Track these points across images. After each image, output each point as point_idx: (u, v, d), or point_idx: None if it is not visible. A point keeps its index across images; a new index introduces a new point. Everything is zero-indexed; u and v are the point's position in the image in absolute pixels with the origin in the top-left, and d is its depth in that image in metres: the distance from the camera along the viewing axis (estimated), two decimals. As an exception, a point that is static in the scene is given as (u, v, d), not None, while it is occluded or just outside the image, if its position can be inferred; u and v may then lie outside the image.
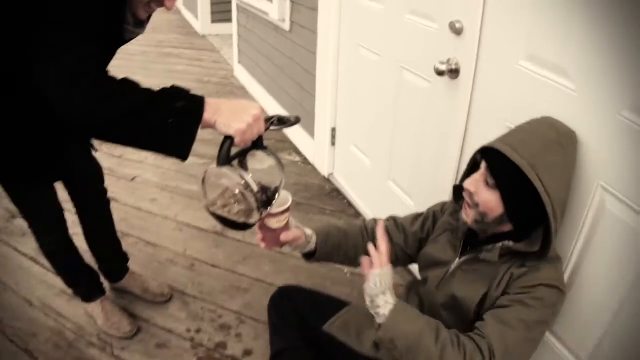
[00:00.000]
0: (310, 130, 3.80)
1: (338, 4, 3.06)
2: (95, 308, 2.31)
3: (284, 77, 4.27)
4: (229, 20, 5.98)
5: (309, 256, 1.68)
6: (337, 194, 3.49)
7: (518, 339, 1.24)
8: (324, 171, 3.66)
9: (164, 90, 1.28)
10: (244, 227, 1.36)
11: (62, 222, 2.04)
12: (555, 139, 1.29)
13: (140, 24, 1.66)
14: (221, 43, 7.55)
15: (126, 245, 2.65)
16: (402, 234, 1.69)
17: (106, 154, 3.94)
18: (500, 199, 1.30)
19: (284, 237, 1.54)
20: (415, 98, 2.38)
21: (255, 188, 1.29)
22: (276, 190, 1.39)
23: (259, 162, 1.39)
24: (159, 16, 10.32)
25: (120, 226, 2.94)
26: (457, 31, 1.95)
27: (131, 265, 2.55)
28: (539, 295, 1.26)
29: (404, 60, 2.43)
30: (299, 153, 4.07)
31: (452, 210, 1.57)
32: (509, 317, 1.26)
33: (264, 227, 1.51)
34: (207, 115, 1.27)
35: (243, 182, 1.29)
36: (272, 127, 1.39)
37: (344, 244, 1.67)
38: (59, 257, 2.16)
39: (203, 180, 1.34)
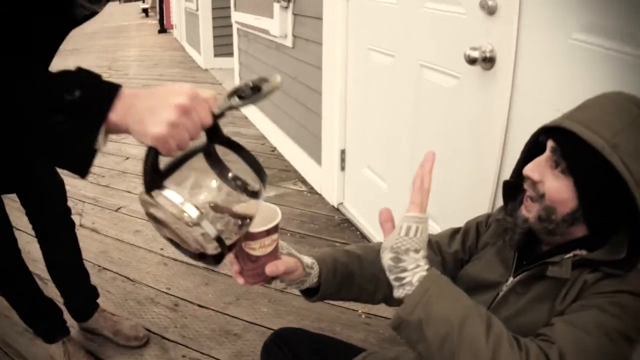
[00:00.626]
0: (317, 156, 3.54)
1: (344, 7, 2.83)
2: (56, 350, 2.04)
3: (287, 100, 4.06)
4: (232, 54, 5.92)
5: (311, 293, 1.26)
6: (347, 224, 3.18)
7: (598, 347, 0.89)
8: (333, 200, 3.36)
9: (62, 74, 0.89)
10: (213, 258, 0.94)
11: (10, 242, 1.79)
12: (639, 115, 0.99)
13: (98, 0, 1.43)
14: (223, 76, 7.43)
15: (103, 280, 2.46)
16: (439, 256, 1.31)
17: (92, 183, 3.78)
18: (573, 188, 0.99)
19: (270, 268, 1.07)
20: (440, 100, 2.07)
21: (194, 218, 0.87)
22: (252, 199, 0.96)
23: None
24: (162, 52, 10.47)
25: (98, 259, 2.78)
26: (490, 10, 1.66)
27: (104, 302, 2.29)
28: (619, 302, 0.93)
29: (424, 57, 2.15)
30: (304, 182, 3.79)
31: (502, 214, 1.19)
32: (583, 320, 0.92)
33: (241, 255, 1.06)
34: (115, 116, 0.84)
35: (176, 211, 0.87)
36: (234, 107, 0.93)
37: (358, 273, 1.25)
38: (8, 285, 1.90)
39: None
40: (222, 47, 7.81)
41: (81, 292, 2.17)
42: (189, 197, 0.88)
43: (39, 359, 2.09)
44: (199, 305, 2.38)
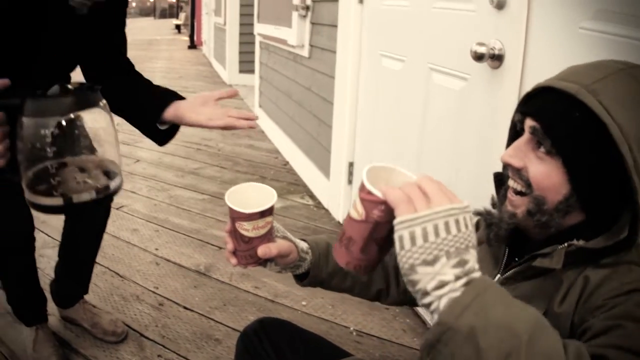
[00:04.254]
0: (326, 170, 3.48)
1: (359, 13, 2.83)
2: (29, 334, 2.00)
3: (302, 112, 4.06)
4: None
5: (303, 278, 1.22)
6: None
7: None
8: (339, 215, 3.30)
9: None
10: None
11: (26, 218, 1.76)
12: (627, 71, 0.88)
13: None
14: (246, 92, 7.46)
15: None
16: None
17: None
18: (562, 169, 0.86)
19: (262, 250, 1.05)
20: (448, 104, 2.02)
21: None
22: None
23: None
24: (189, 66, 10.63)
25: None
26: (499, 4, 1.60)
27: (90, 295, 2.24)
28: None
29: (433, 59, 2.10)
30: (312, 196, 3.73)
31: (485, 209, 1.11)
32: (630, 340, 0.73)
33: (235, 235, 1.05)
34: None
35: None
36: None
37: None
38: (12, 262, 1.87)
39: None
40: (247, 63, 7.90)
41: (76, 279, 2.14)
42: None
43: (16, 343, 2.06)
44: (184, 307, 2.32)
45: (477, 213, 1.03)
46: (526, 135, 0.91)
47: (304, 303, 2.36)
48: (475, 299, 0.63)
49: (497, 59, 1.63)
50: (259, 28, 5.19)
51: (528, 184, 0.90)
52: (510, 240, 0.99)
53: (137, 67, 1.76)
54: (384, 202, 0.70)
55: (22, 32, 1.27)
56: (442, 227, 0.65)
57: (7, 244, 1.75)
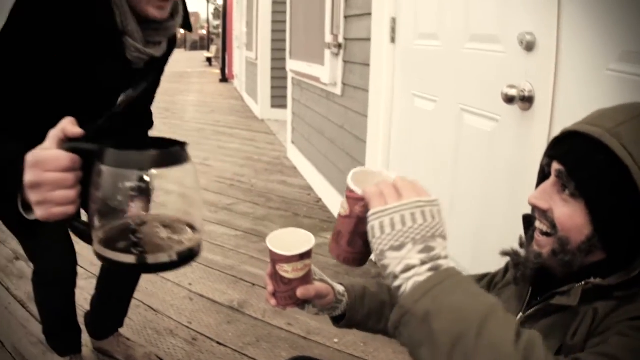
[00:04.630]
0: None
1: (391, 52, 2.89)
2: None
3: (334, 150, 4.13)
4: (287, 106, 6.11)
5: (339, 320, 1.27)
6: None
7: None
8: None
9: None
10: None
11: (70, 245, 1.84)
12: None
13: (154, 44, 1.43)
14: (279, 127, 7.58)
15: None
16: None
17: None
18: (585, 211, 0.91)
19: (301, 291, 1.11)
20: (479, 144, 2.06)
21: (135, 262, 0.87)
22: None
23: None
24: (221, 100, 10.80)
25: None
26: (528, 46, 1.66)
27: (124, 327, 2.28)
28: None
29: (465, 100, 2.15)
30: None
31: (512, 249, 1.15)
32: (610, 349, 0.80)
33: (274, 277, 1.11)
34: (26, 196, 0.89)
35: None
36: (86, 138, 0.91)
37: (388, 304, 1.26)
38: (53, 291, 1.95)
39: None
40: (279, 98, 8.03)
41: (113, 312, 2.19)
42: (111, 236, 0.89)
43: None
44: (218, 343, 2.36)
45: (505, 253, 1.08)
46: (552, 178, 0.96)
47: (336, 340, 2.39)
48: (436, 285, 0.70)
49: (527, 100, 1.68)
50: (292, 64, 5.32)
51: (553, 225, 0.95)
52: (535, 280, 1.03)
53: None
54: (364, 199, 0.81)
55: (79, 80, 1.33)
56: (408, 217, 0.74)
57: (52, 278, 1.82)
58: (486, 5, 1.96)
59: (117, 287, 2.09)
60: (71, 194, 0.86)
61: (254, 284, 2.91)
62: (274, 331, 2.47)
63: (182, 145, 0.88)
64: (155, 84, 1.74)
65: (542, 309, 0.98)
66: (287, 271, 1.07)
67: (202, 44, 40.01)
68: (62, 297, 1.94)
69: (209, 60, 22.83)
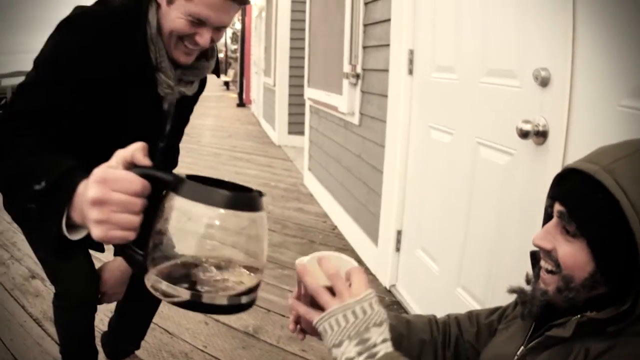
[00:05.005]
0: (374, 236, 3.57)
1: (409, 84, 2.96)
2: None
3: (351, 178, 4.17)
4: (304, 132, 6.16)
5: None
6: (397, 306, 3.16)
7: None
8: (386, 282, 3.36)
9: (42, 162, 0.98)
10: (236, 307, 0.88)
11: (92, 270, 1.88)
12: None
13: (186, 82, 1.53)
14: (295, 154, 7.65)
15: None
16: (474, 327, 1.32)
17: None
18: (587, 249, 0.95)
19: None
20: (494, 178, 2.11)
21: (189, 299, 0.83)
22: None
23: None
24: (238, 125, 10.88)
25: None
26: (543, 81, 1.71)
27: (139, 350, 2.34)
28: None
29: (480, 134, 2.20)
30: (359, 262, 3.77)
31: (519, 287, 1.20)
32: None
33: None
34: (73, 212, 0.88)
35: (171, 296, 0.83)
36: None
37: (405, 337, 1.30)
38: (72, 327, 1.99)
39: None
40: (296, 125, 8.11)
41: (131, 335, 2.23)
42: (181, 271, 0.85)
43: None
44: (232, 368, 2.42)
45: (512, 291, 1.15)
46: (554, 219, 1.01)
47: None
48: None
49: (541, 135, 1.73)
50: (310, 92, 5.40)
51: (557, 264, 0.99)
52: (540, 315, 1.07)
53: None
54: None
55: (109, 109, 1.40)
56: (341, 319, 0.92)
57: (74, 301, 1.87)
58: (503, 41, 2.02)
59: (139, 310, 2.13)
60: (135, 220, 0.83)
61: (269, 310, 2.95)
62: (289, 357, 2.51)
63: (259, 193, 0.86)
64: (184, 122, 1.82)
65: (542, 342, 1.03)
66: None
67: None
68: (82, 320, 1.97)
69: (226, 84, 23.02)
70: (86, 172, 0.86)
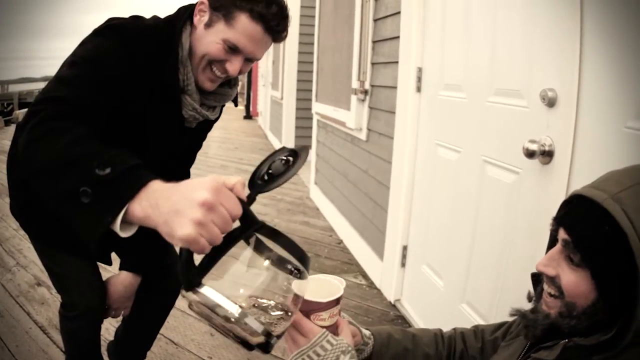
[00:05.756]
0: (380, 251, 3.60)
1: (416, 101, 3.00)
2: None
3: (357, 193, 4.20)
4: (311, 146, 6.18)
5: None
6: (401, 321, 3.18)
7: None
8: (391, 296, 3.38)
9: (106, 149, 0.98)
10: (260, 347, 0.94)
11: (100, 282, 1.90)
12: None
13: (208, 107, 1.57)
14: (303, 167, 7.66)
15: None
16: (480, 342, 1.36)
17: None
18: (590, 279, 0.96)
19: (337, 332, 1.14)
20: (500, 196, 2.14)
21: (236, 315, 0.86)
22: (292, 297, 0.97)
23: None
24: (244, 137, 10.94)
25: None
26: (550, 102, 1.75)
27: None
28: None
29: (487, 152, 2.24)
30: (365, 276, 3.83)
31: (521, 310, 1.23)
32: None
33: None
34: (139, 209, 0.88)
35: (216, 309, 0.87)
36: (263, 191, 0.99)
37: (411, 351, 1.34)
38: (79, 336, 2.00)
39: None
40: (303, 138, 8.14)
41: (137, 345, 2.25)
42: (230, 292, 0.89)
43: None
44: (237, 380, 2.46)
45: (514, 314, 1.16)
46: (559, 246, 1.01)
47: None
48: None
49: (547, 154, 1.77)
50: (317, 107, 5.45)
51: (560, 290, 1.00)
52: (540, 337, 1.08)
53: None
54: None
55: (134, 130, 1.44)
56: (312, 354, 1.01)
57: (81, 311, 1.89)
58: (510, 61, 2.06)
59: (146, 321, 2.15)
60: (220, 238, 0.85)
61: (273, 323, 2.99)
62: (293, 371, 2.54)
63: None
64: (198, 146, 1.87)
65: None
66: (324, 319, 1.05)
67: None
68: (89, 330, 1.99)
69: (233, 96, 23.07)
70: (153, 173, 0.92)
